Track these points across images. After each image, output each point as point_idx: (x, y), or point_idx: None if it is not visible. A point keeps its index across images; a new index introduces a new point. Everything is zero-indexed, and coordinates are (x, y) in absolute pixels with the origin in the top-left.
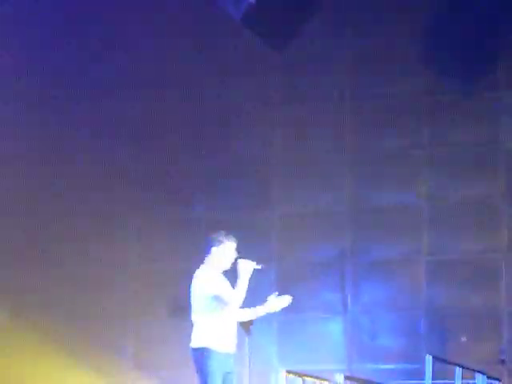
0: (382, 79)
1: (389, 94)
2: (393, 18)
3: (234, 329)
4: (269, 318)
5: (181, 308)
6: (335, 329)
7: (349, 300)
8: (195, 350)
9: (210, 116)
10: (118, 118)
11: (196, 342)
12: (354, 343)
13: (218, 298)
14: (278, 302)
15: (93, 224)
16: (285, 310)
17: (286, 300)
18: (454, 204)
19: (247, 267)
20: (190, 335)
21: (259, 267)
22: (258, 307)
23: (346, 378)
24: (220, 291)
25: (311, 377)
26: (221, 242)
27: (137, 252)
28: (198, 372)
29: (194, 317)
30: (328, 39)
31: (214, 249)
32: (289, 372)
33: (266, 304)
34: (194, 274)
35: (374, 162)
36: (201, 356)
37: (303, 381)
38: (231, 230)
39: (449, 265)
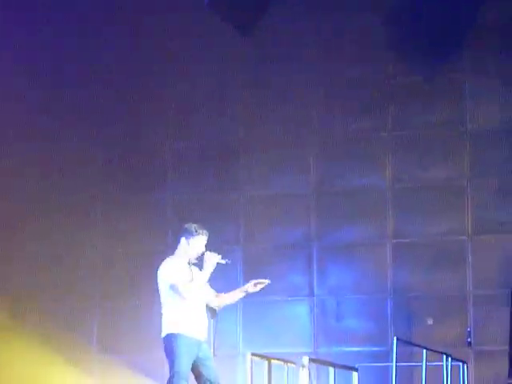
0: (347, 64)
1: (354, 78)
2: (356, 2)
3: (202, 315)
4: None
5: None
6: (301, 312)
7: (315, 283)
8: (164, 338)
9: (176, 99)
10: (83, 102)
11: (163, 330)
12: (320, 326)
13: (173, 288)
14: (250, 285)
15: (59, 206)
16: (254, 292)
17: (258, 283)
18: (419, 187)
19: (212, 260)
20: (156, 320)
21: (224, 262)
22: (233, 292)
23: (312, 360)
24: (176, 281)
25: (277, 359)
26: (191, 234)
27: (103, 235)
28: (167, 357)
29: (162, 307)
30: (295, 24)
31: (183, 239)
32: (255, 355)
33: (244, 286)
34: (162, 264)
35: (339, 144)
36: (168, 342)
37: (269, 363)
38: (197, 212)
39: (414, 248)
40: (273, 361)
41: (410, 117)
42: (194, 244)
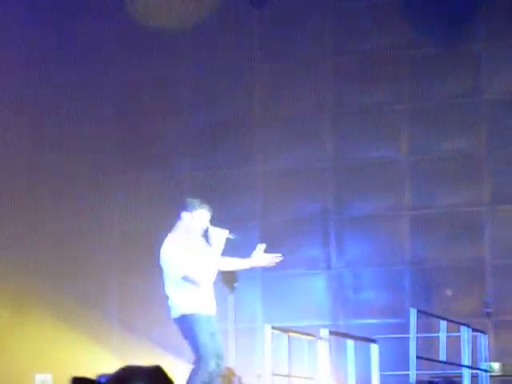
0: (361, 35)
1: (368, 50)
2: None
3: (211, 291)
4: (252, 275)
5: None
6: (319, 285)
7: (332, 256)
8: (178, 319)
9: (189, 73)
10: (100, 82)
11: (176, 311)
12: (337, 299)
13: (187, 279)
14: (264, 258)
15: (78, 185)
16: (268, 266)
17: (272, 258)
18: (436, 158)
19: (219, 236)
20: None
21: (232, 237)
22: (243, 259)
23: (331, 333)
24: (186, 272)
25: (297, 332)
26: (193, 207)
27: (122, 213)
28: (186, 339)
29: (166, 289)
30: None
31: (185, 213)
32: (274, 328)
33: (253, 257)
34: (164, 242)
35: (354, 117)
36: (185, 323)
37: (289, 337)
38: (213, 188)
39: (432, 219)
40: (292, 334)
41: (425, 88)
42: (197, 217)
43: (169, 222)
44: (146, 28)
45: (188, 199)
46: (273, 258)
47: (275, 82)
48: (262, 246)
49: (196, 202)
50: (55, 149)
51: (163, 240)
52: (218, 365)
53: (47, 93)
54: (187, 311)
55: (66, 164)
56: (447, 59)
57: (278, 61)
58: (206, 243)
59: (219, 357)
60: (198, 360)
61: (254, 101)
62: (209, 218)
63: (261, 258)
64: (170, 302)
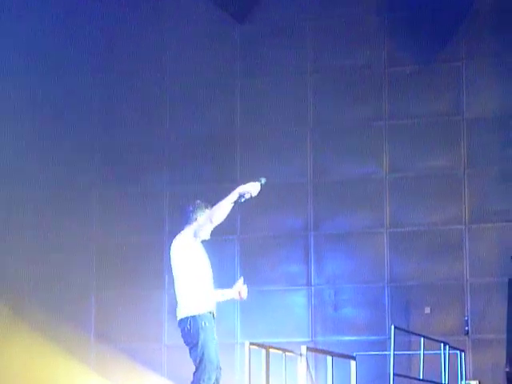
0: (343, 52)
1: (350, 67)
2: None
3: (212, 286)
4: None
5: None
6: (299, 301)
7: (312, 272)
8: (183, 321)
9: (171, 89)
10: (80, 95)
11: (183, 312)
12: (317, 315)
13: (197, 231)
14: (243, 289)
15: (56, 197)
16: (247, 282)
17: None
18: (416, 176)
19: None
20: (154, 309)
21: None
22: (226, 290)
23: (310, 349)
24: (194, 226)
25: (275, 348)
26: (203, 210)
27: (99, 227)
28: (189, 344)
29: (176, 289)
30: (289, 12)
31: (195, 216)
32: (253, 344)
33: (234, 288)
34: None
35: (336, 134)
36: (191, 325)
37: (267, 352)
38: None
39: (412, 236)
40: (271, 350)
41: (406, 106)
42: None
43: (146, 234)
44: (133, 35)
45: (197, 202)
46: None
47: (256, 96)
48: (241, 280)
49: (204, 203)
50: (33, 160)
51: (141, 253)
52: (217, 379)
53: (26, 105)
54: (195, 311)
55: (43, 177)
56: (427, 76)
57: (258, 76)
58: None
59: (219, 369)
60: (201, 371)
61: (235, 115)
62: None
63: (242, 291)
64: (178, 303)
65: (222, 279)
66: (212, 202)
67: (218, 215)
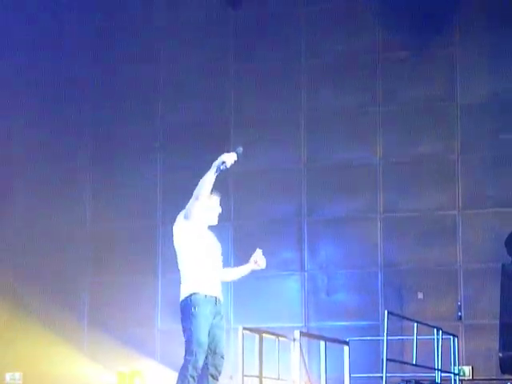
0: (337, 38)
1: (344, 53)
2: None
3: (216, 273)
4: None
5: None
6: (292, 287)
7: (306, 258)
8: (180, 303)
9: (164, 75)
10: (73, 82)
11: (182, 294)
12: (310, 301)
13: (188, 210)
14: (261, 259)
15: (48, 184)
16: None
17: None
18: (410, 161)
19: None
20: (147, 295)
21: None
22: (242, 266)
23: (304, 334)
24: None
25: (269, 333)
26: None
27: (93, 213)
28: (182, 326)
29: (179, 266)
30: None
31: (197, 203)
32: (246, 329)
33: (251, 261)
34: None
35: (329, 120)
36: (185, 305)
37: (261, 337)
38: (187, 188)
39: (405, 222)
40: (264, 335)
41: (399, 91)
42: (209, 207)
43: (139, 221)
44: (127, 21)
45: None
46: (259, 259)
47: (250, 83)
48: (259, 251)
49: None
50: (27, 151)
51: (134, 239)
52: (213, 365)
53: (20, 96)
54: (191, 291)
55: (37, 164)
56: (421, 63)
57: (252, 62)
58: (213, 235)
59: (218, 356)
60: (189, 354)
61: (229, 102)
62: (219, 202)
63: (259, 260)
64: (181, 286)
65: None
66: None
67: (200, 190)
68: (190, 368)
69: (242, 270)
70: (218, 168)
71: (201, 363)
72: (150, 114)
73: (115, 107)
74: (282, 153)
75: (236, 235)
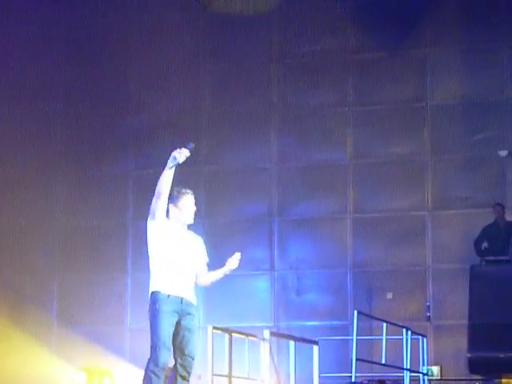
0: (308, 37)
1: (316, 53)
2: None
3: (185, 274)
4: None
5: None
6: (262, 286)
7: (275, 257)
8: (149, 299)
9: (139, 72)
10: (48, 78)
11: (149, 289)
12: (280, 300)
13: (152, 210)
14: (234, 262)
15: (19, 180)
16: (211, 266)
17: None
18: (380, 162)
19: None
20: (117, 292)
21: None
22: (218, 270)
23: (273, 334)
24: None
25: (239, 333)
26: (176, 198)
27: (64, 208)
28: (149, 320)
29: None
30: None
31: (170, 206)
32: (216, 328)
33: (227, 264)
34: None
35: (300, 119)
36: (150, 303)
37: (230, 337)
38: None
39: (375, 222)
40: (234, 334)
41: (371, 92)
42: (183, 206)
43: (110, 218)
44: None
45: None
46: (234, 259)
47: (222, 82)
48: (238, 255)
49: (176, 190)
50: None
51: (104, 236)
52: (183, 366)
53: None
54: (153, 289)
55: (8, 158)
56: (393, 63)
57: (224, 61)
58: (195, 236)
59: (187, 357)
60: (151, 350)
61: (201, 100)
62: (193, 200)
63: (233, 262)
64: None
65: None
66: (175, 185)
67: (158, 188)
68: (152, 364)
69: (217, 274)
70: (171, 164)
71: (162, 359)
72: (123, 111)
73: (87, 102)
74: (253, 152)
75: (206, 233)
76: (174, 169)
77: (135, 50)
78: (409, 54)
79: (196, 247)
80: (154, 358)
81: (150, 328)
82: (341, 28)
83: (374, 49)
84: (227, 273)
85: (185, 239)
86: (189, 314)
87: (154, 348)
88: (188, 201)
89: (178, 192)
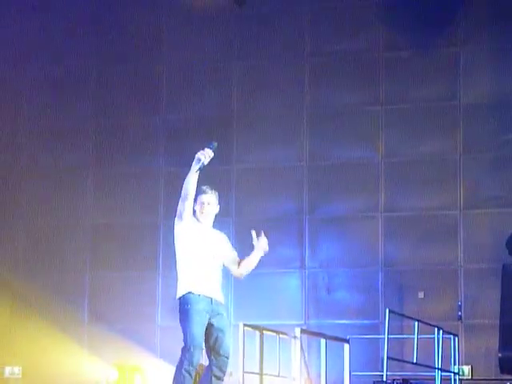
0: (340, 36)
1: (347, 51)
2: None
3: (213, 274)
4: (225, 272)
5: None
6: (292, 284)
7: (306, 256)
8: (178, 300)
9: (169, 72)
10: (76, 76)
11: (177, 292)
12: (311, 299)
13: (180, 209)
14: (262, 242)
15: (53, 175)
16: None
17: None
18: (412, 161)
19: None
20: (148, 290)
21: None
22: (250, 256)
23: (304, 331)
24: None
25: (270, 330)
26: (196, 198)
27: (94, 207)
28: (179, 321)
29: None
30: None
31: (195, 206)
32: (247, 326)
33: (256, 247)
34: None
35: (332, 118)
36: (181, 303)
37: (261, 334)
38: None
39: (406, 221)
40: (265, 332)
41: (403, 91)
42: (199, 204)
43: (142, 216)
44: (134, 19)
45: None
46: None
47: (253, 80)
48: (253, 233)
49: (197, 189)
50: (29, 142)
51: (136, 234)
52: (218, 367)
53: (23, 87)
54: (184, 291)
55: (40, 157)
56: (424, 62)
57: (255, 59)
58: (219, 234)
59: (222, 357)
60: (185, 349)
61: (232, 98)
62: (211, 199)
63: (261, 243)
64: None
65: None
66: (205, 184)
67: (184, 191)
68: (186, 363)
69: (251, 259)
70: (197, 167)
71: (196, 359)
72: (155, 109)
73: (118, 101)
74: (283, 151)
75: (237, 232)
76: (199, 171)
77: (167, 48)
78: (441, 52)
79: (221, 244)
80: (188, 358)
81: (182, 328)
82: (372, 26)
83: (405, 47)
84: (262, 254)
85: (210, 238)
86: (218, 313)
87: (188, 348)
88: (203, 199)
89: (198, 191)
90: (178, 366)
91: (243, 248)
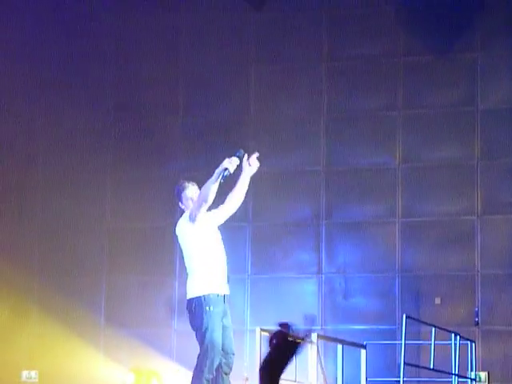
0: (358, 41)
1: (365, 56)
2: None
3: (224, 272)
4: (242, 277)
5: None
6: (309, 289)
7: (323, 261)
8: (190, 300)
9: (186, 75)
10: (97, 80)
11: (190, 292)
12: (327, 304)
13: (192, 214)
14: (253, 163)
15: (69, 179)
16: (258, 269)
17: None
18: (429, 166)
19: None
20: (164, 295)
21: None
22: (238, 182)
23: (321, 337)
24: (191, 210)
25: None
26: (186, 187)
27: (112, 209)
28: (193, 325)
29: (187, 268)
30: (304, 1)
31: (183, 194)
32: (264, 330)
33: (244, 168)
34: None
35: (349, 122)
36: (198, 304)
37: None
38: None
39: (423, 227)
40: None
41: (420, 95)
42: (193, 193)
43: (159, 220)
44: (150, 21)
45: (179, 184)
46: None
47: (270, 84)
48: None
49: (183, 181)
50: (47, 144)
51: (153, 238)
52: (226, 364)
53: (41, 89)
54: (201, 292)
55: (57, 161)
56: (442, 67)
57: (273, 63)
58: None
59: (229, 355)
60: (205, 356)
61: (249, 103)
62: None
63: (251, 164)
64: (187, 280)
65: (233, 265)
66: (222, 187)
67: (204, 197)
68: (206, 371)
69: (242, 182)
70: (222, 175)
71: (216, 365)
72: (172, 114)
73: (136, 105)
74: (301, 155)
75: (254, 236)
76: (223, 179)
77: (184, 52)
78: (458, 57)
79: (218, 223)
80: (209, 366)
81: (200, 332)
82: (390, 31)
83: (423, 52)
84: (250, 173)
85: (218, 235)
86: (227, 312)
87: (209, 356)
88: (195, 189)
89: (186, 182)
90: (196, 374)
91: (258, 253)
